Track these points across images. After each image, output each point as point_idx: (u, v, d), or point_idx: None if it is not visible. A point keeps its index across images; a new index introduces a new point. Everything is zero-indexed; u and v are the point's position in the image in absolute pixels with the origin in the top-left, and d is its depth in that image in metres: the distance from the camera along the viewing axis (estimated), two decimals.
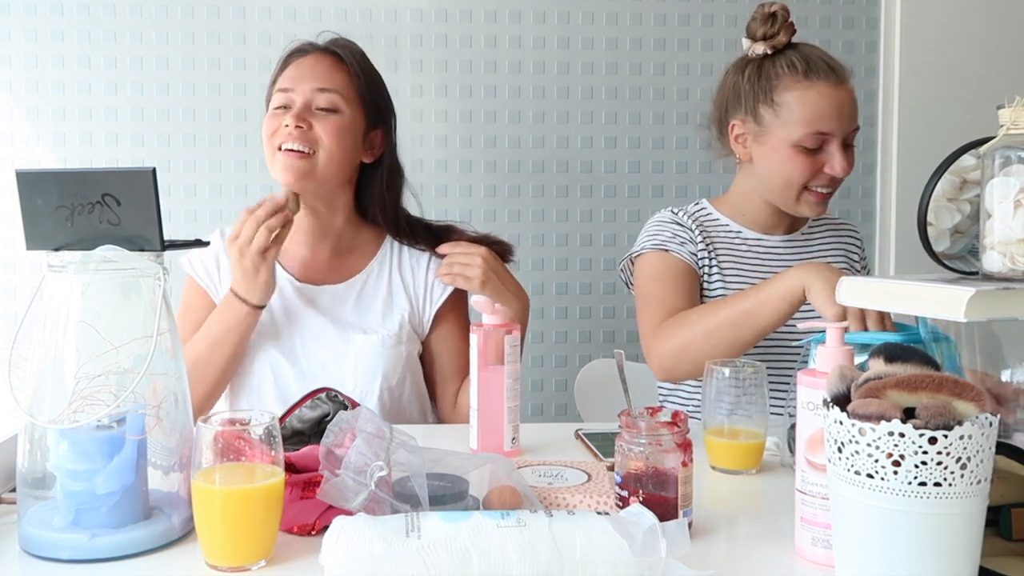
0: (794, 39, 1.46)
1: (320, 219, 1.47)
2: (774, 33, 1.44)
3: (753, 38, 1.46)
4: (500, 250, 1.48)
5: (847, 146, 1.43)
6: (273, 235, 1.33)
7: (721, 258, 1.50)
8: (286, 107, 1.41)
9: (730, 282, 1.50)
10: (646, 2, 2.13)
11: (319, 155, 1.40)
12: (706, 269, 1.49)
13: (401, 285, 1.50)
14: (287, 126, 1.38)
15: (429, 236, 1.52)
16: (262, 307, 1.37)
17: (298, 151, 1.38)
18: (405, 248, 1.53)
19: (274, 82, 1.47)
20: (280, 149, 1.39)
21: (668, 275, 1.46)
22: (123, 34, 2.04)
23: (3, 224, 2.02)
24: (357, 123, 1.44)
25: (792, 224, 1.56)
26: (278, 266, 1.46)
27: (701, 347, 1.31)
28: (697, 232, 1.50)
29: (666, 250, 1.48)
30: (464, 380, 1.47)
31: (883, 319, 1.16)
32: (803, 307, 1.49)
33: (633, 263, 1.53)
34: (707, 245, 1.50)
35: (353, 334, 1.44)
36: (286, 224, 1.35)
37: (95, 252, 0.87)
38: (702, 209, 1.56)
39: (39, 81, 2.03)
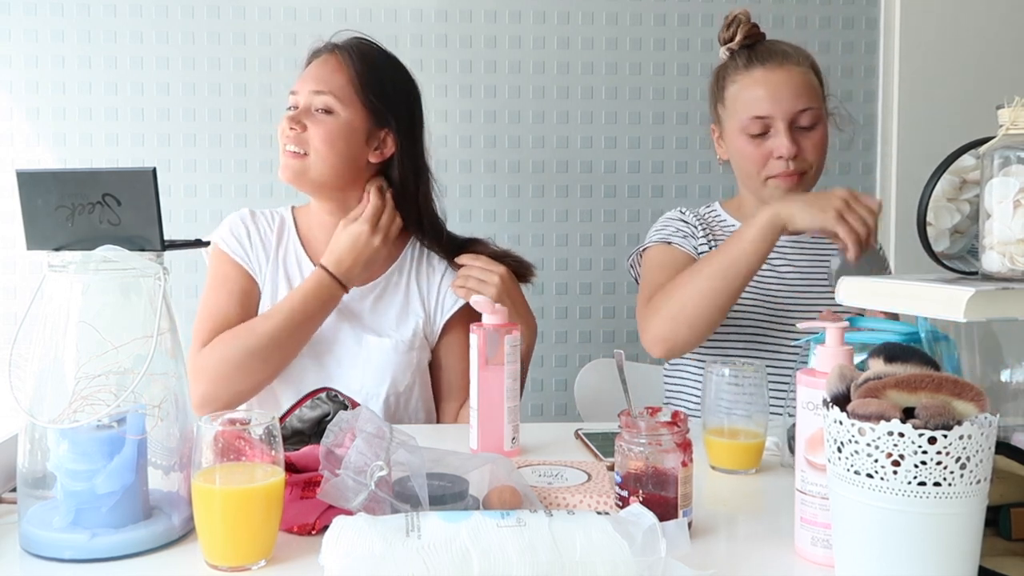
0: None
1: (336, 219, 1.47)
2: (732, 37, 1.49)
3: (721, 44, 1.53)
4: (520, 269, 1.50)
5: (803, 128, 1.43)
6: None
7: None
8: (294, 108, 1.45)
9: None
10: (646, 2, 2.13)
11: (311, 156, 1.41)
12: None
13: (417, 292, 1.51)
14: (285, 128, 1.42)
15: (452, 246, 1.52)
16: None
17: (293, 152, 1.41)
18: (425, 255, 1.54)
19: None
20: (284, 149, 1.43)
21: (668, 264, 1.49)
22: (123, 34, 2.04)
23: (3, 224, 2.02)
24: (356, 124, 1.43)
25: None
26: (304, 255, 1.50)
27: (693, 309, 1.32)
28: (700, 228, 1.54)
29: (669, 243, 1.52)
30: (466, 400, 1.45)
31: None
32: (802, 304, 1.50)
33: (641, 260, 1.57)
34: (708, 241, 1.53)
35: (367, 335, 1.45)
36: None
37: (95, 252, 0.87)
38: (712, 211, 1.60)
39: (39, 81, 2.03)
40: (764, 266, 1.53)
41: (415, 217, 1.50)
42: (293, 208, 1.57)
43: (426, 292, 1.51)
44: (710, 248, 1.52)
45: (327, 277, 1.39)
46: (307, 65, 1.48)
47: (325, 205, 1.48)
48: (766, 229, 1.28)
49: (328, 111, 1.42)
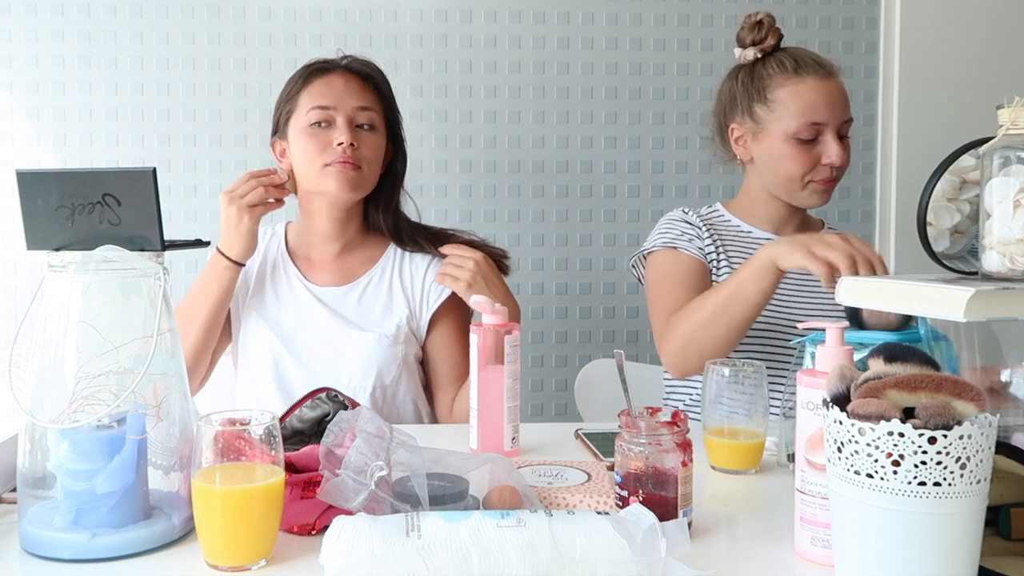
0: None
1: (335, 225, 1.53)
2: (762, 39, 1.51)
3: (743, 45, 1.53)
4: (495, 257, 1.52)
5: (842, 137, 1.48)
6: (266, 199, 1.43)
7: (732, 256, 1.54)
8: (323, 123, 1.46)
9: None
10: (646, 2, 2.13)
11: (364, 170, 1.47)
12: (715, 265, 1.53)
13: (401, 289, 1.54)
14: (340, 144, 1.44)
15: (429, 239, 1.57)
16: (241, 264, 1.44)
17: (353, 165, 1.45)
18: (407, 255, 1.58)
19: (291, 98, 1.51)
20: (330, 165, 1.45)
21: (677, 272, 1.50)
22: (123, 35, 2.04)
23: (3, 224, 2.02)
24: (384, 139, 1.52)
25: (802, 225, 1.60)
26: (289, 261, 1.55)
27: (702, 338, 1.34)
28: (704, 230, 1.54)
29: (675, 247, 1.52)
30: (460, 387, 1.51)
31: (873, 268, 1.20)
32: (804, 303, 1.50)
33: (645, 260, 1.57)
34: (714, 242, 1.54)
35: (352, 331, 1.48)
36: (279, 198, 1.46)
37: (95, 252, 0.87)
38: (714, 211, 1.61)
39: (39, 81, 2.03)
40: None
41: (395, 223, 1.57)
42: (287, 223, 1.62)
43: (409, 289, 1.55)
44: (716, 249, 1.53)
45: (215, 251, 1.44)
46: (307, 81, 1.50)
47: (333, 212, 1.52)
48: (760, 269, 1.29)
49: (372, 127, 1.49)
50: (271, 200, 1.44)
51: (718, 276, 1.52)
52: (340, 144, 1.44)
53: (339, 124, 1.45)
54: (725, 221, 1.58)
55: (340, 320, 1.49)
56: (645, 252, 1.56)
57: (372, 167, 1.49)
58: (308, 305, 1.50)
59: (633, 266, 1.62)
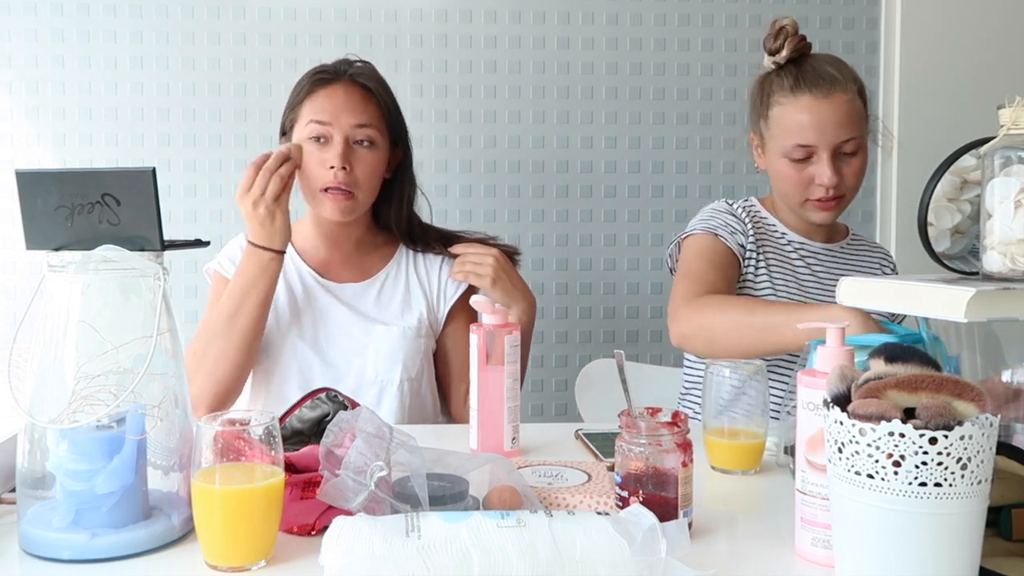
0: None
1: (342, 229, 1.54)
2: (778, 48, 1.46)
3: (767, 52, 1.49)
4: (507, 253, 1.55)
5: (845, 155, 1.43)
6: (283, 183, 1.39)
7: (768, 256, 1.53)
8: (321, 139, 1.46)
9: (777, 281, 1.51)
10: (646, 2, 2.13)
11: (358, 194, 1.47)
12: (752, 263, 1.51)
13: (418, 283, 1.57)
14: (332, 168, 1.43)
15: (439, 239, 1.59)
16: (283, 252, 1.42)
17: (345, 192, 1.45)
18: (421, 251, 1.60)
19: (295, 107, 1.50)
20: (324, 191, 1.45)
21: (712, 256, 1.48)
22: (123, 34, 2.04)
23: (3, 224, 2.02)
24: (386, 150, 1.51)
25: (830, 232, 1.59)
26: (301, 261, 1.55)
27: (723, 335, 1.31)
28: (749, 226, 1.53)
29: (715, 234, 1.50)
30: None
31: None
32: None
33: (679, 247, 1.55)
34: (756, 240, 1.52)
35: (375, 326, 1.50)
36: (292, 172, 1.41)
37: (95, 252, 0.87)
38: (752, 205, 1.59)
39: (39, 81, 2.03)
40: (807, 268, 1.54)
41: (407, 226, 1.58)
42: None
43: (427, 283, 1.57)
44: (756, 248, 1.51)
45: (251, 245, 1.41)
46: (311, 90, 1.48)
47: (340, 221, 1.51)
48: (823, 323, 1.21)
49: (371, 143, 1.47)
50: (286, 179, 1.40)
51: (755, 276, 1.50)
52: (332, 168, 1.43)
53: (335, 142, 1.44)
54: (763, 218, 1.57)
55: (360, 316, 1.51)
56: (683, 237, 1.53)
57: (366, 189, 1.47)
58: (325, 303, 1.51)
59: (669, 255, 1.58)
